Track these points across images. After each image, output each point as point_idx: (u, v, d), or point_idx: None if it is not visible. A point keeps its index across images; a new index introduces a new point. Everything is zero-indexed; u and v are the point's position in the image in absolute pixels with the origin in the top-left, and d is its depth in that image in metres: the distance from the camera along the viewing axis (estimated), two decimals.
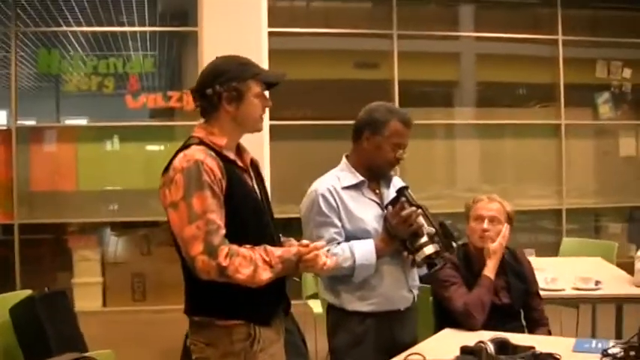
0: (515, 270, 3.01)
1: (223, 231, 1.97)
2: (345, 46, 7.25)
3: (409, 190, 2.57)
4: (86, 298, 6.35)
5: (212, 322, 2.05)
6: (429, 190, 6.88)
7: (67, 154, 6.75)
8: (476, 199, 3.05)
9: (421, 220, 2.51)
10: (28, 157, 6.59)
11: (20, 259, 6.34)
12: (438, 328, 2.90)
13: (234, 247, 1.96)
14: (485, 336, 2.36)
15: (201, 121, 2.16)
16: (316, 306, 4.33)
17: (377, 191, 2.68)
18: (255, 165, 2.26)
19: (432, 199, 6.69)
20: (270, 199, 2.28)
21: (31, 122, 7.33)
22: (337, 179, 2.62)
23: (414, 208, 2.50)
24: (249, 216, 2.09)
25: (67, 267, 6.56)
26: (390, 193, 2.66)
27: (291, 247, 2.10)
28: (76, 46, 6.94)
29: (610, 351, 2.31)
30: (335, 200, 2.57)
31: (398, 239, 2.55)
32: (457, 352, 2.31)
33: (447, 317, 2.88)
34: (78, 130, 7.16)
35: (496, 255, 2.90)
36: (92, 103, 7.13)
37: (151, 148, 7.10)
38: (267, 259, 2.00)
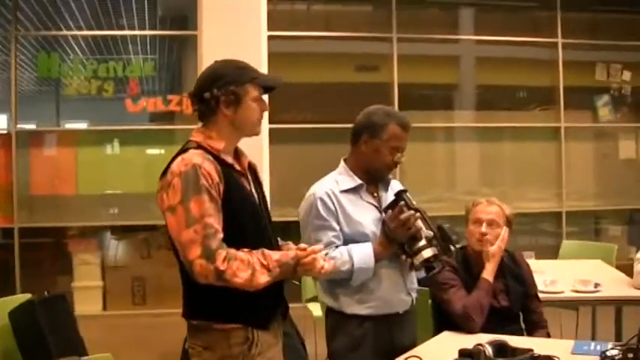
0: (514, 273, 3.01)
1: (221, 235, 1.97)
2: (344, 49, 7.25)
3: (407, 194, 2.58)
4: (86, 302, 6.35)
5: (210, 326, 2.06)
6: (429, 193, 6.88)
7: (67, 158, 6.74)
8: (475, 203, 3.04)
9: (419, 223, 2.51)
10: (28, 161, 6.59)
11: (20, 262, 6.33)
12: (437, 330, 2.90)
13: (232, 250, 1.97)
14: (484, 339, 2.35)
15: (200, 125, 2.16)
16: (316, 309, 4.31)
17: (375, 195, 2.68)
18: (253, 169, 2.26)
19: (432, 201, 6.70)
20: (268, 203, 2.28)
21: (31, 126, 7.34)
22: (335, 183, 2.62)
23: (412, 212, 2.50)
24: (247, 220, 2.09)
25: (67, 271, 6.56)
26: (388, 197, 2.66)
27: (289, 251, 2.10)
28: (76, 49, 6.94)
29: (608, 353, 2.31)
30: (333, 204, 2.57)
31: (396, 243, 2.55)
32: (456, 355, 2.31)
33: (445, 320, 2.88)
34: (78, 134, 7.18)
35: (495, 258, 2.90)
36: (92, 107, 7.15)
37: (151, 151, 7.09)
38: (265, 262, 2.00)
